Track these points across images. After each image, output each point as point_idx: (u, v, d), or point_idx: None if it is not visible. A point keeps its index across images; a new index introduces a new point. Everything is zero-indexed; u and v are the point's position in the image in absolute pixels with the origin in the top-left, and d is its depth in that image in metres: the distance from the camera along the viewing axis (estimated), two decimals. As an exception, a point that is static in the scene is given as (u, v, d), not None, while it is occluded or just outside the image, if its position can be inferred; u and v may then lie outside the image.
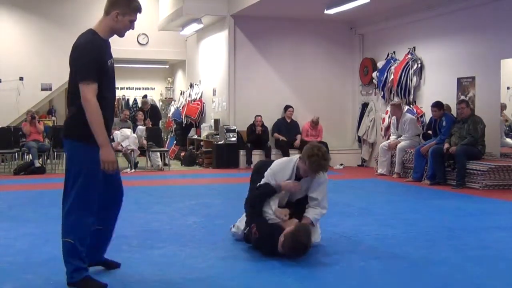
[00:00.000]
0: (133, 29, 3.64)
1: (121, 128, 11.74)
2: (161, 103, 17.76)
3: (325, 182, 4.52)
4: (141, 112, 13.25)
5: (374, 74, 11.76)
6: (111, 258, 4.27)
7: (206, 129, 12.99)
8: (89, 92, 3.31)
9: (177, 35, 14.73)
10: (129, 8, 3.52)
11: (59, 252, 4.44)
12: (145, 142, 11.85)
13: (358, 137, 12.38)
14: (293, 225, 4.20)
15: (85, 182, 3.47)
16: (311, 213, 4.47)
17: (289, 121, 12.03)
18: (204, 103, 13.78)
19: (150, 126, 12.76)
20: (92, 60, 3.39)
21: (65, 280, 3.63)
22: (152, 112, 13.64)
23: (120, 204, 3.80)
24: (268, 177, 4.44)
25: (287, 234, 4.07)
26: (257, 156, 11.67)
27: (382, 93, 11.56)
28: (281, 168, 4.49)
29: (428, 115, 9.90)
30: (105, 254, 3.89)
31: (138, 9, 3.57)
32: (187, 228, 5.44)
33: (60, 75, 14.79)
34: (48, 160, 11.91)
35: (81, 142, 3.45)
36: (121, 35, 3.69)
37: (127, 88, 17.91)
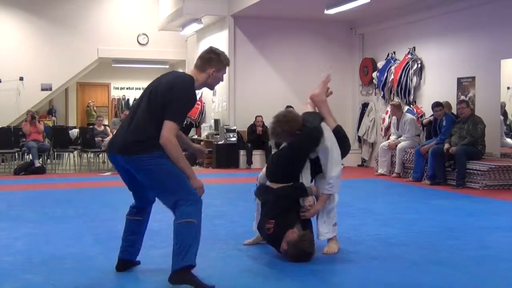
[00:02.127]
0: (222, 80, 3.87)
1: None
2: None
3: (328, 149, 4.29)
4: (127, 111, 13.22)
5: (374, 74, 11.76)
6: (111, 258, 4.28)
7: (206, 129, 12.99)
8: (172, 132, 3.48)
9: (177, 35, 14.73)
10: (222, 63, 3.75)
11: (59, 252, 4.46)
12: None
13: (358, 137, 12.38)
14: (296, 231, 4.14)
15: (171, 174, 3.52)
16: (321, 187, 4.38)
17: (289, 121, 12.00)
18: (204, 103, 13.78)
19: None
20: (188, 108, 3.62)
21: (65, 280, 3.63)
22: None
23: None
24: None
25: (291, 243, 4.05)
26: (257, 156, 11.67)
27: (382, 93, 11.57)
28: None
29: (428, 115, 9.91)
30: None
31: (228, 62, 3.81)
32: (187, 228, 5.43)
33: (60, 75, 14.83)
34: (48, 160, 11.91)
35: (147, 153, 3.50)
36: (212, 88, 3.98)
37: (127, 88, 17.92)
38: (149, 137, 3.48)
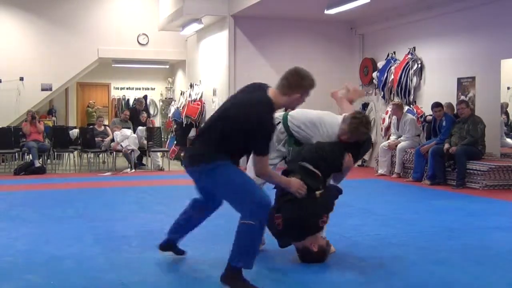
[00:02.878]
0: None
1: (121, 128, 11.75)
2: (161, 103, 17.77)
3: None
4: (127, 111, 13.21)
5: (374, 74, 11.76)
6: (111, 258, 4.28)
7: (206, 129, 12.96)
8: (265, 165, 3.58)
9: (177, 35, 14.73)
10: (310, 88, 3.69)
11: (59, 252, 4.46)
12: (145, 142, 11.87)
13: (358, 137, 12.35)
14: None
15: (236, 181, 3.60)
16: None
17: (289, 121, 12.00)
18: (204, 103, 13.77)
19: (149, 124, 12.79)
20: (271, 135, 3.58)
21: (64, 281, 3.63)
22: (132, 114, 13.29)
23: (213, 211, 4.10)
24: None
25: (321, 247, 4.08)
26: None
27: (382, 93, 11.56)
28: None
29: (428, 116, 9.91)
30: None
31: (313, 85, 3.73)
32: (187, 228, 5.43)
33: (60, 75, 14.83)
34: (48, 160, 11.91)
35: (215, 162, 3.58)
36: (293, 109, 4.10)
37: (127, 88, 17.91)
38: (216, 150, 3.55)
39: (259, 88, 3.69)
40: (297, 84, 3.62)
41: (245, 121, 3.45)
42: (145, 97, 17.76)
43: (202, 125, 3.86)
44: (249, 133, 3.44)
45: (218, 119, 3.64)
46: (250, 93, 3.66)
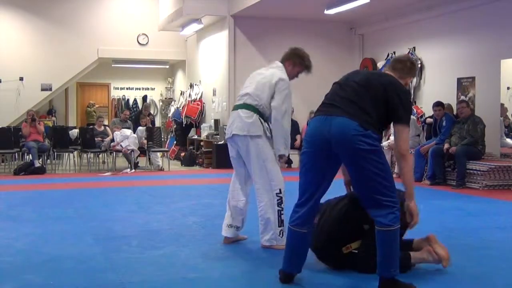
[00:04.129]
0: None
1: (121, 128, 11.76)
2: (161, 103, 17.77)
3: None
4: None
5: (374, 74, 11.75)
6: (111, 258, 4.28)
7: (206, 129, 12.99)
8: (407, 139, 3.39)
9: (177, 35, 14.73)
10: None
11: (59, 252, 4.46)
12: (145, 142, 11.87)
13: (358, 137, 12.36)
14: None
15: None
16: None
17: (289, 121, 12.00)
18: (204, 103, 13.78)
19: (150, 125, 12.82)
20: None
21: (64, 281, 3.63)
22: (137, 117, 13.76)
23: None
24: None
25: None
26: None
27: (382, 93, 11.55)
28: None
29: (428, 115, 9.91)
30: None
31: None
32: (187, 228, 5.44)
33: (60, 75, 14.82)
34: (48, 160, 11.90)
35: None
36: None
37: (127, 88, 17.90)
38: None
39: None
40: (411, 68, 3.69)
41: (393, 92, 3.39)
42: (145, 97, 17.78)
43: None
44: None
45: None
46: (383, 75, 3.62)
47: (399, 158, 3.49)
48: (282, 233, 4.36)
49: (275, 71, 4.67)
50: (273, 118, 4.48)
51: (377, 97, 3.34)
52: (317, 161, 3.40)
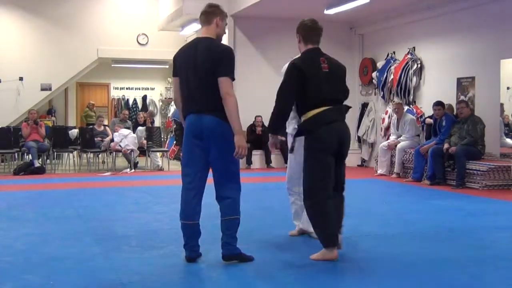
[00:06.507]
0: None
1: (122, 127, 11.77)
2: (160, 103, 17.77)
3: None
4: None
5: (374, 74, 11.76)
6: (111, 258, 4.28)
7: (206, 129, 12.97)
8: (232, 87, 4.08)
9: (177, 35, 14.72)
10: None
11: (59, 252, 4.46)
12: (145, 142, 11.87)
13: (358, 137, 12.37)
14: None
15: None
16: None
17: (289, 121, 12.00)
18: (204, 103, 13.77)
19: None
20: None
21: (64, 281, 3.62)
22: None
23: None
24: None
25: None
26: (257, 156, 11.66)
27: (382, 93, 11.56)
28: None
29: (428, 115, 9.90)
30: None
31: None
32: (187, 228, 5.42)
33: (60, 75, 14.80)
34: (48, 160, 11.90)
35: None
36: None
37: (127, 88, 17.90)
38: None
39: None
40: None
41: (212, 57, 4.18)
42: (145, 97, 17.77)
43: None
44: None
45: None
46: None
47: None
48: None
49: None
50: None
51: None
52: None
